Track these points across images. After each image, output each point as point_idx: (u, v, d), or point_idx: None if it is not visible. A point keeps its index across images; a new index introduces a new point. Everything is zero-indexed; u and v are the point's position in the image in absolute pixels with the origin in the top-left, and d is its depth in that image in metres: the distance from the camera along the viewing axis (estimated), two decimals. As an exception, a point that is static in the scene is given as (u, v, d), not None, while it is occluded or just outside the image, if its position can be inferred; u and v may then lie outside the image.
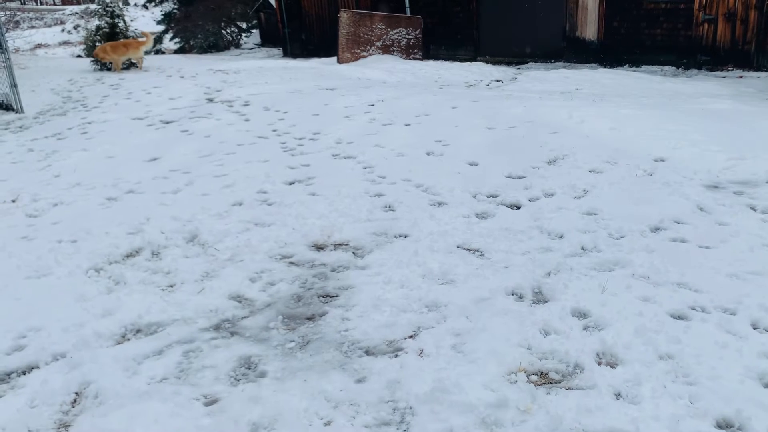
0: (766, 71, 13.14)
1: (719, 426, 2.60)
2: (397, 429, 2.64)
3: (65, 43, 30.61)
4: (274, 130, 8.35)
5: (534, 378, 2.93)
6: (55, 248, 4.60)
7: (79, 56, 21.86)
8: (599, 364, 3.03)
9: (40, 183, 6.42)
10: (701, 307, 3.48)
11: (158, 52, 24.40)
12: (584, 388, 2.85)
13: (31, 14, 41.69)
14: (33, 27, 36.46)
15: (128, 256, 4.50)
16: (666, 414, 2.65)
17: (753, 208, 4.92)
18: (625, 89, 11.35)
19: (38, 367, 3.17)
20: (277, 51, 22.48)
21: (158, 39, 25.04)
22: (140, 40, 16.00)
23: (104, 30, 16.02)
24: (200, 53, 23.67)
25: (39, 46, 29.76)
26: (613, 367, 3.00)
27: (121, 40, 15.84)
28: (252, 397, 2.85)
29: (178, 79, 13.70)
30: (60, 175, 6.69)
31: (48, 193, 6.03)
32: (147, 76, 14.31)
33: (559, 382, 2.92)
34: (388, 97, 10.24)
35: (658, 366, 2.97)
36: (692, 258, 4.10)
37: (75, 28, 33.45)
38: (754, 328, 3.29)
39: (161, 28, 26.23)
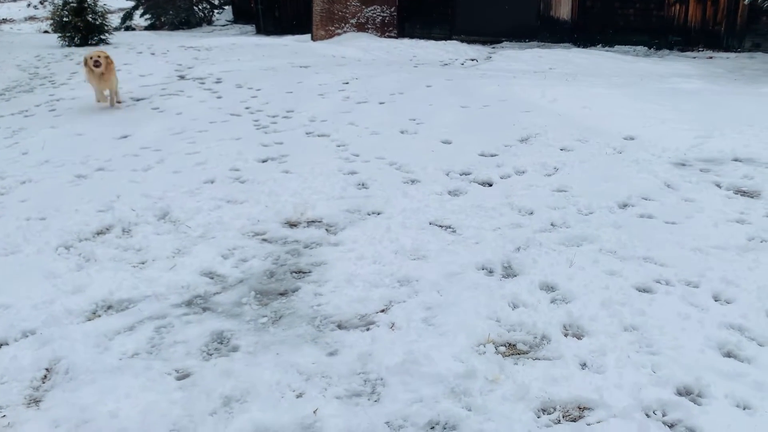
0: (735, 52, 13.35)
1: (680, 393, 2.69)
2: (369, 400, 2.68)
3: (31, 18, 29.73)
4: (247, 108, 8.28)
5: (502, 349, 3.00)
6: (23, 226, 4.54)
7: (45, 32, 21.26)
8: (566, 335, 3.10)
9: (7, 160, 6.30)
10: (666, 281, 3.58)
11: (128, 28, 23.86)
12: (551, 358, 2.92)
13: (-5, -12, 40.38)
14: (-3, 1, 35.36)
15: (98, 233, 4.46)
16: (629, 382, 2.73)
17: (718, 185, 5.04)
18: (598, 69, 11.45)
19: (7, 344, 3.14)
20: (250, 28, 22.14)
21: (128, 15, 24.45)
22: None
23: (72, 5, 15.62)
24: (171, 30, 23.19)
25: (4, 21, 28.92)
26: (579, 338, 3.07)
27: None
28: (224, 371, 2.87)
29: (148, 55, 13.47)
30: (28, 152, 6.57)
31: (15, 170, 5.92)
32: (117, 52, 14.00)
33: (526, 352, 2.98)
34: (362, 75, 10.20)
35: (623, 337, 3.06)
36: (658, 233, 4.19)
37: (41, 2, 32.55)
38: (716, 300, 3.39)
39: (131, 3, 25.62)
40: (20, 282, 3.72)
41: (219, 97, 9.08)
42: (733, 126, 6.37)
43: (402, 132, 6.87)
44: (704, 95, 8.07)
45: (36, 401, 2.74)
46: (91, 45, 15.14)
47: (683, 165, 5.51)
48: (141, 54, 13.65)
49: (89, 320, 3.36)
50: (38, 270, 3.87)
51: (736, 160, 5.53)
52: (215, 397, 2.71)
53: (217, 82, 10.19)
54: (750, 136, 6.03)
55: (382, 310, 3.38)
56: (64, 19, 15.55)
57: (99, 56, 8.14)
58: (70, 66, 12.47)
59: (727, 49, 13.50)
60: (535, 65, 12.06)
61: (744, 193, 4.88)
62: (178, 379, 2.86)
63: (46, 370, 2.95)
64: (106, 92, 8.61)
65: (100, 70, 8.15)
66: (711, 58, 12.98)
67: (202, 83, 10.20)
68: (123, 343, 3.13)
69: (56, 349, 3.06)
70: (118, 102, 8.75)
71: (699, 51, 13.77)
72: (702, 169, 5.39)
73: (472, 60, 13.78)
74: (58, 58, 13.45)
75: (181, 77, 10.91)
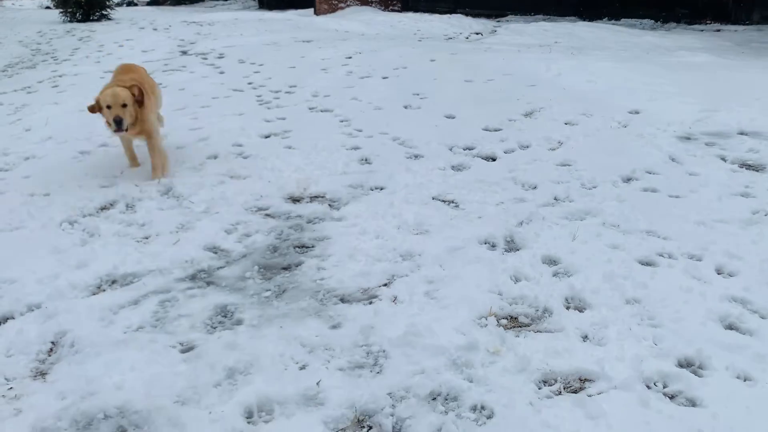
0: (743, 25, 13.16)
1: (681, 365, 2.70)
2: (371, 371, 2.70)
3: (33, -6, 29.54)
4: (250, 83, 8.24)
5: (504, 322, 3.01)
6: (27, 201, 4.55)
7: (47, 7, 21.14)
8: (567, 308, 3.11)
9: (11, 137, 6.30)
10: (668, 254, 3.58)
11: (130, 3, 23.72)
12: (552, 331, 2.93)
13: (-5, -36, 40.00)
14: (-2, -23, 35.04)
15: (102, 208, 4.47)
16: (630, 355, 2.74)
17: (723, 159, 5.01)
18: (604, 42, 11.33)
19: (13, 318, 3.16)
20: (253, 2, 21.98)
21: (130, -10, 24.34)
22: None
23: (73, -20, 15.52)
24: (174, 5, 23.04)
25: (5, -3, 28.70)
26: (581, 311, 3.08)
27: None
28: (228, 344, 2.89)
29: (151, 31, 13.39)
30: (31, 129, 6.57)
31: (19, 147, 5.92)
32: (119, 28, 13.95)
33: (528, 325, 3.00)
34: (365, 50, 10.12)
35: (625, 310, 3.06)
36: (662, 207, 4.18)
37: (42, -22, 32.22)
38: (719, 273, 3.39)
39: (133, -22, 25.41)
40: (25, 257, 3.73)
41: (221, 73, 9.03)
42: (740, 99, 6.31)
43: (405, 107, 6.83)
44: (711, 69, 7.98)
45: (42, 374, 2.77)
46: (93, 21, 15.03)
47: (688, 139, 5.47)
48: (143, 29, 13.57)
49: (94, 294, 3.38)
50: (43, 245, 3.89)
51: (741, 133, 5.49)
52: (219, 369, 2.73)
53: (219, 58, 10.13)
54: (756, 110, 5.97)
55: (385, 284, 3.39)
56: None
57: (124, 101, 4.63)
58: (73, 42, 12.42)
59: (735, 22, 13.32)
60: (540, 39, 11.93)
61: (749, 167, 4.85)
62: (183, 351, 2.88)
63: (52, 343, 2.98)
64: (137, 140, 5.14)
65: (123, 132, 4.74)
66: (719, 31, 12.81)
67: (205, 59, 10.14)
68: (127, 317, 3.15)
69: (61, 323, 3.08)
70: (162, 172, 4.98)
71: (706, 24, 13.59)
72: (707, 143, 5.35)
73: (477, 34, 13.64)
74: (60, 34, 13.38)
75: (184, 53, 10.85)
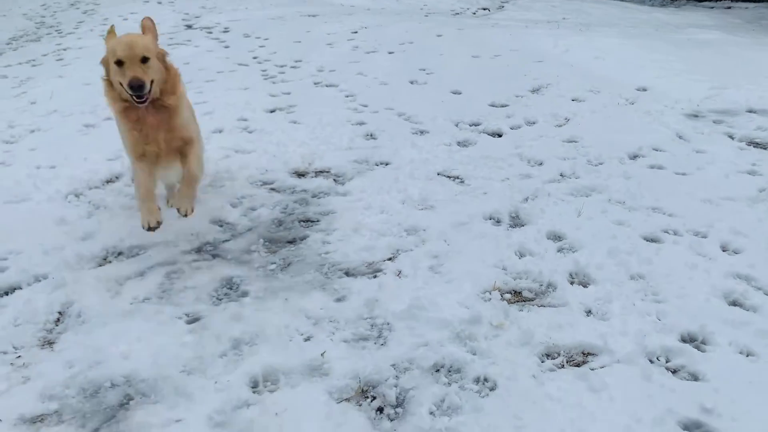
0: (754, 2, 12.99)
1: (684, 340, 2.72)
2: (375, 343, 2.72)
3: (36, -34, 29.38)
4: (255, 58, 8.19)
5: (508, 296, 3.02)
6: (33, 174, 4.55)
7: (51, -19, 21.02)
8: (572, 283, 3.12)
9: (16, 110, 6.29)
10: (674, 231, 3.57)
11: (134, -23, 23.52)
12: (556, 305, 2.94)
13: (-2, -64, 39.67)
14: (1, -51, 34.79)
15: (108, 181, 4.47)
16: (634, 329, 2.75)
17: (731, 137, 4.98)
18: (612, 19, 11.21)
19: (21, 288, 3.19)
20: (258, -23, 21.77)
21: (134, -37, 24.12)
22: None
23: (76, -48, 15.33)
24: (178, -21, 22.85)
25: (9, -31, 28.53)
26: (585, 286, 3.09)
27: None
28: (234, 315, 2.91)
29: (155, 4, 13.27)
30: (36, 101, 6.55)
31: (24, 119, 5.91)
32: (123, 1, 13.83)
33: (532, 300, 3.01)
34: (371, 25, 10.03)
35: (629, 285, 3.07)
36: (668, 184, 4.17)
37: (46, -50, 31.99)
38: (724, 250, 3.39)
39: (136, -49, 25.16)
40: (31, 229, 3.75)
41: (226, 47, 8.97)
42: (749, 77, 6.26)
43: (411, 82, 6.79)
44: (720, 46, 7.90)
45: (50, 343, 2.80)
46: (97, -6, 14.88)
47: (696, 116, 5.44)
48: (147, 3, 13.45)
49: (100, 266, 3.40)
50: (49, 217, 3.89)
51: (750, 111, 5.45)
52: (225, 340, 2.75)
53: (224, 32, 10.06)
54: (765, 88, 5.93)
55: (389, 258, 3.40)
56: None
57: (145, 53, 3.11)
58: (77, 15, 12.34)
59: (746, -1, 13.14)
60: (548, 15, 11.81)
61: (757, 145, 4.82)
62: (189, 323, 2.91)
63: (59, 313, 3.01)
64: (169, 175, 3.66)
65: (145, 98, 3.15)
66: (729, 8, 12.65)
67: (210, 33, 10.07)
68: (134, 288, 3.17)
69: (68, 293, 3.11)
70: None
71: (717, 1, 13.41)
72: (715, 121, 5.32)
73: (484, 9, 13.51)
74: (64, 7, 13.29)
75: (189, 27, 10.77)
